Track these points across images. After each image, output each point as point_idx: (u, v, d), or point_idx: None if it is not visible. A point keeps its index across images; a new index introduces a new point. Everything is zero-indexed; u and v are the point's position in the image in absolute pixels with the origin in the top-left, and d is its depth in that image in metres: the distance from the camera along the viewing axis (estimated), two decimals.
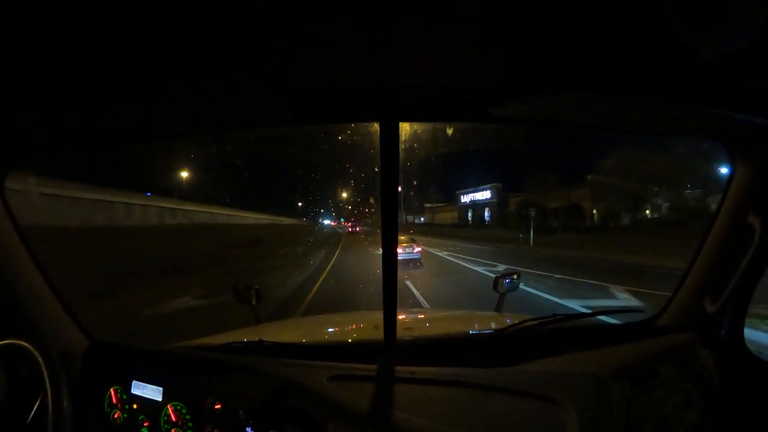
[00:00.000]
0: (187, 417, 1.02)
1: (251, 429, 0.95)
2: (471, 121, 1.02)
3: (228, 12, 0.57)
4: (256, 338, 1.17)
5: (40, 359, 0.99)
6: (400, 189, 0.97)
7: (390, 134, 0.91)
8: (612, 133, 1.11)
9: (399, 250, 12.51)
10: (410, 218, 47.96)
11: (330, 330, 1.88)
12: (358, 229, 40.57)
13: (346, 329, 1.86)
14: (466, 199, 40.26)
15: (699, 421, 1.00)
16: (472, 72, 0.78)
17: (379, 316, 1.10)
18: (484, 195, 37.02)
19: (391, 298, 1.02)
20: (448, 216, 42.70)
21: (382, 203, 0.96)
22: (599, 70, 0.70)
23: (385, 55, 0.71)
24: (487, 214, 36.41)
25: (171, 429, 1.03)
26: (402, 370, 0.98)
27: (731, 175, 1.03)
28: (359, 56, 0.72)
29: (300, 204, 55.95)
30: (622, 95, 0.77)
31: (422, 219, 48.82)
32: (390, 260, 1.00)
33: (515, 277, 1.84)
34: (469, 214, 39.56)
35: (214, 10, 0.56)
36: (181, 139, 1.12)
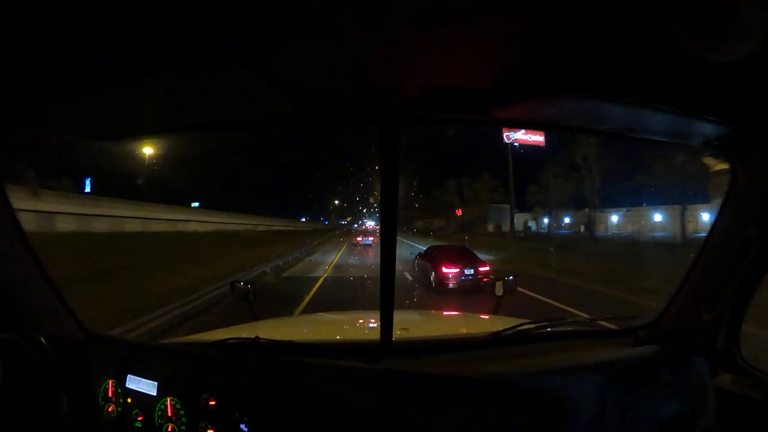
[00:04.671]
0: (182, 412, 1.01)
1: (245, 426, 0.95)
2: (472, 123, 1.02)
3: (232, 10, 0.57)
4: (253, 335, 1.17)
5: (35, 352, 0.98)
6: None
7: (391, 136, 0.91)
8: (613, 138, 1.12)
9: (359, 238, 24.74)
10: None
11: (326, 329, 1.87)
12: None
13: (342, 328, 1.86)
14: None
15: (693, 430, 1.01)
16: (473, 75, 0.79)
17: (375, 316, 1.09)
18: None
19: (388, 298, 1.01)
20: None
21: (382, 204, 0.96)
22: (600, 75, 0.70)
23: (386, 57, 0.72)
24: None
25: (165, 424, 1.02)
26: (398, 370, 0.98)
27: (731, 184, 1.02)
28: (361, 57, 0.72)
29: (336, 202, 51.97)
30: (624, 101, 0.77)
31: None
32: (388, 261, 0.99)
33: (512, 279, 1.83)
34: None
35: (219, 9, 0.57)
36: (182, 134, 1.16)
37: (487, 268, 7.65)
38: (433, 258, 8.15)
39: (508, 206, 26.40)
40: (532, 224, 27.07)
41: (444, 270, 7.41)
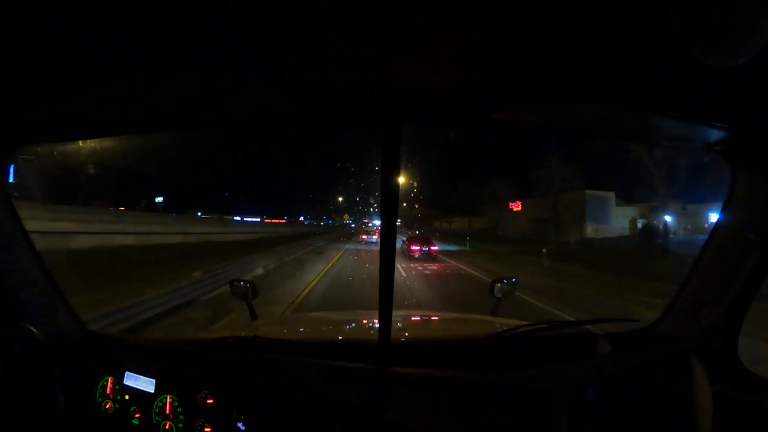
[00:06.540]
0: (179, 410, 1.01)
1: (243, 425, 0.95)
2: (472, 124, 1.03)
3: (234, 10, 0.58)
4: (251, 334, 1.17)
5: (32, 347, 0.98)
6: None
7: (391, 136, 0.91)
8: (614, 142, 1.13)
9: (364, 236, 29.65)
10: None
11: (325, 328, 1.88)
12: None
13: (341, 328, 1.86)
14: None
15: None
16: (473, 76, 0.79)
17: (374, 316, 1.09)
18: None
19: (387, 298, 1.02)
20: None
21: (382, 204, 0.97)
22: (600, 79, 0.71)
23: (388, 57, 0.72)
24: None
25: (163, 421, 1.02)
26: (396, 371, 0.98)
27: (731, 188, 1.01)
28: (363, 58, 0.72)
29: (340, 199, 51.50)
30: (623, 105, 0.78)
31: None
32: (388, 261, 0.99)
33: (512, 281, 1.84)
34: None
35: (220, 8, 0.57)
36: (185, 131, 1.18)
37: (436, 248, 15.60)
38: (408, 241, 15.94)
39: (611, 194, 18.07)
40: (642, 222, 17.79)
41: (412, 248, 14.96)
